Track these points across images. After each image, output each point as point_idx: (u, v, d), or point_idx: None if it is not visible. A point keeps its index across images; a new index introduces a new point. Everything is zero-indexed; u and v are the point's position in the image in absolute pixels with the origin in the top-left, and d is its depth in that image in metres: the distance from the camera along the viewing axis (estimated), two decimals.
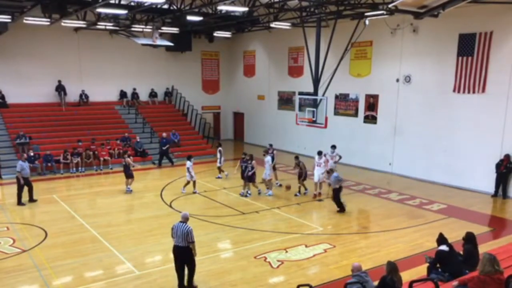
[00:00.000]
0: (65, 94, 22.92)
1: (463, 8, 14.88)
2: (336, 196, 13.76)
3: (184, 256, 8.27)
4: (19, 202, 14.58)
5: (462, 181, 16.79)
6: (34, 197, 14.98)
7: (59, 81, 22.89)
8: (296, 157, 15.99)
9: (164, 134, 21.92)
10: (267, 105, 26.32)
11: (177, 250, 8.28)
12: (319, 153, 15.69)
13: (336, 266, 9.75)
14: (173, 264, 8.63)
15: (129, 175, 16.09)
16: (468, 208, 14.33)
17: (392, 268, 6.54)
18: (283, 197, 15.66)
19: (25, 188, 14.71)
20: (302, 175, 15.44)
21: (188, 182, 15.77)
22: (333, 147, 16.75)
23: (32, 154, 18.56)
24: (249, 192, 15.57)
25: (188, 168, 15.60)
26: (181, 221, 8.36)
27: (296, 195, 15.58)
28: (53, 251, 10.50)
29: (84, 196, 15.87)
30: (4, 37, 20.68)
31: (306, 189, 15.74)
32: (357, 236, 11.74)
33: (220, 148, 18.52)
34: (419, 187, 17.04)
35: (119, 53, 24.52)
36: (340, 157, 16.66)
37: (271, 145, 17.96)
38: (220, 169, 18.44)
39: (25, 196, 14.73)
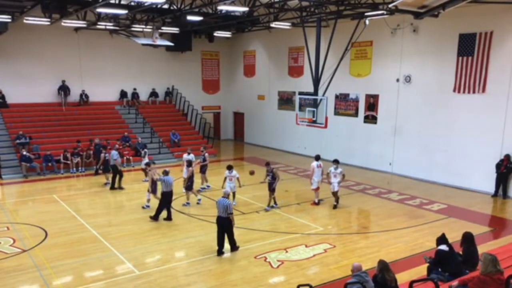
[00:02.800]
0: (65, 94, 22.91)
1: (463, 8, 14.88)
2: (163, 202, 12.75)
3: (224, 224, 10.20)
4: (113, 187, 16.42)
5: (462, 181, 16.78)
6: (122, 185, 16.71)
7: (63, 81, 22.91)
8: (267, 164, 14.28)
9: (97, 140, 19.70)
10: (267, 105, 26.32)
11: (219, 220, 10.25)
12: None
13: (336, 266, 9.75)
14: (172, 264, 9.68)
15: (108, 169, 16.74)
16: (468, 208, 14.33)
17: (384, 266, 6.50)
18: (283, 197, 15.65)
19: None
20: (273, 185, 13.85)
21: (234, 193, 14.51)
22: (336, 161, 14.42)
23: (25, 153, 18.60)
24: (188, 202, 14.35)
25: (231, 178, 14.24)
26: (223, 197, 10.35)
27: (275, 204, 14.16)
28: (53, 251, 10.50)
29: (84, 196, 15.86)
30: (4, 37, 20.69)
31: (275, 203, 14.27)
32: (357, 236, 11.74)
33: (145, 150, 18.02)
34: (419, 187, 17.04)
35: (119, 53, 24.53)
36: (344, 176, 14.39)
37: (205, 147, 17.32)
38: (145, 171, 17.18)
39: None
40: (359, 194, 16.20)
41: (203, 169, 16.34)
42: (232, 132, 30.23)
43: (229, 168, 14.10)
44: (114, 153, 16.54)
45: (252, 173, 15.05)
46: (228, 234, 10.39)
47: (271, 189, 13.96)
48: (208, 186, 16.59)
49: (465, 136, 16.53)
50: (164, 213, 12.82)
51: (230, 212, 10.13)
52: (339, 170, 14.18)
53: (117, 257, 10.21)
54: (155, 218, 12.76)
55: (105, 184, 17.08)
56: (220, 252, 10.29)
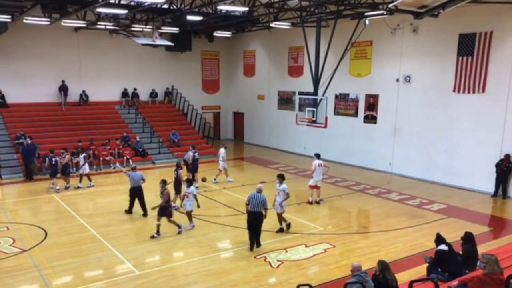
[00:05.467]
0: (65, 94, 22.92)
1: (463, 8, 14.88)
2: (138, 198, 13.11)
3: (257, 219, 10.48)
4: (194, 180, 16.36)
5: (462, 181, 16.79)
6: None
7: (63, 81, 22.91)
8: (163, 182, 11.73)
9: (29, 141, 18.81)
10: (267, 105, 26.32)
11: (252, 215, 10.44)
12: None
13: (336, 266, 9.76)
14: (172, 264, 9.77)
15: (55, 174, 16.16)
16: (468, 208, 14.34)
17: (384, 267, 6.52)
18: None
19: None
20: (168, 210, 11.45)
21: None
22: (280, 176, 12.04)
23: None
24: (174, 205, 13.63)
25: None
26: (257, 192, 10.54)
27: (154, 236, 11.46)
28: (53, 251, 10.49)
29: (84, 196, 15.86)
30: (4, 37, 20.69)
31: (179, 226, 11.74)
32: (357, 236, 11.74)
33: (84, 154, 17.11)
34: (419, 187, 17.03)
35: (119, 53, 24.52)
36: (288, 195, 11.79)
37: (193, 147, 17.18)
38: (82, 176, 16.79)
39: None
40: (359, 194, 16.20)
41: (193, 168, 16.48)
42: (232, 132, 30.23)
43: (188, 181, 12.11)
44: (190, 153, 16.69)
45: (204, 180, 15.35)
46: (260, 230, 10.62)
47: (167, 214, 11.46)
48: (197, 187, 16.31)
49: (465, 136, 16.53)
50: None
51: (266, 207, 10.49)
52: (282, 186, 11.76)
53: (117, 257, 10.21)
54: (128, 211, 13.42)
55: (50, 188, 16.29)
56: (252, 242, 10.57)
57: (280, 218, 11.94)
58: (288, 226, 12.03)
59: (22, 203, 15.10)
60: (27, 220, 12.83)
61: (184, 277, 9.17)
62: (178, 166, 14.13)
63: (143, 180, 13.36)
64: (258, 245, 10.70)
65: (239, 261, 10.04)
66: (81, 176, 16.78)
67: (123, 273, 9.37)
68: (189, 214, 12.06)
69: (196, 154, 16.61)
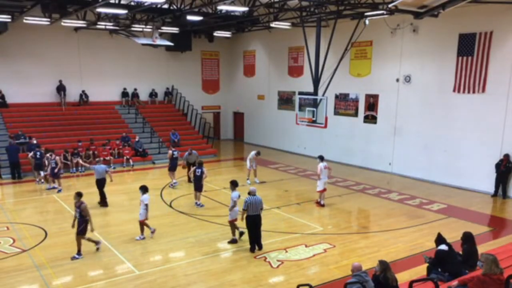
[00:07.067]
0: (64, 94, 22.92)
1: (463, 8, 14.89)
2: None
3: (258, 221, 10.51)
4: (190, 180, 16.84)
5: (462, 181, 16.78)
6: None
7: (60, 81, 22.92)
8: (78, 194, 10.50)
9: (13, 141, 18.55)
10: (267, 105, 26.32)
11: (254, 218, 10.39)
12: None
13: (336, 266, 9.76)
14: (172, 264, 9.74)
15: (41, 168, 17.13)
16: (468, 208, 14.34)
17: (385, 266, 6.53)
18: (283, 197, 15.67)
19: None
20: (81, 227, 10.15)
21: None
22: (233, 183, 11.29)
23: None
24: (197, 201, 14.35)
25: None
26: (253, 195, 10.39)
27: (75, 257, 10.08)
28: (53, 251, 10.50)
29: (84, 196, 15.74)
30: (4, 37, 20.70)
31: (97, 242, 10.61)
32: (357, 236, 11.74)
33: (48, 155, 16.25)
34: (419, 187, 17.03)
35: (119, 53, 24.53)
36: (234, 205, 11.02)
37: (172, 146, 17.83)
38: (47, 177, 16.66)
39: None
40: (359, 194, 16.19)
41: (172, 167, 17.13)
42: (232, 132, 30.23)
43: (142, 189, 11.36)
44: (187, 155, 17.25)
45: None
46: (260, 231, 10.61)
47: (79, 231, 10.11)
48: (176, 182, 17.20)
49: (465, 136, 16.53)
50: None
51: (262, 207, 10.65)
52: (233, 194, 11.17)
53: (117, 257, 10.21)
54: (103, 203, 14.37)
55: (37, 182, 17.24)
56: (254, 248, 10.52)
57: (232, 226, 11.10)
58: (241, 234, 11.22)
59: (22, 203, 15.10)
60: (27, 220, 12.83)
61: (184, 277, 9.17)
62: (200, 165, 14.37)
63: (107, 171, 14.38)
64: (260, 247, 10.60)
65: (239, 261, 10.04)
66: (45, 176, 16.86)
67: (123, 273, 9.38)
68: (141, 224, 11.25)
69: (175, 153, 17.09)
